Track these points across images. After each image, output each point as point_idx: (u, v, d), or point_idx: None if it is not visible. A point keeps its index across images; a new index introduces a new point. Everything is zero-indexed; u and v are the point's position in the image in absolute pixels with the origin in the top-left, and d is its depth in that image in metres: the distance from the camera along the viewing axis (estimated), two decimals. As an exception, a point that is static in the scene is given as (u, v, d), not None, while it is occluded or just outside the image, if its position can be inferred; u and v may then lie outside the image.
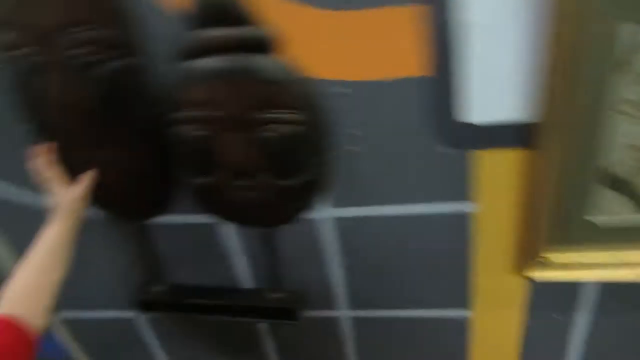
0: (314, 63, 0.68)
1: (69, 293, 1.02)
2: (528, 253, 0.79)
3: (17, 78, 0.69)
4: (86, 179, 0.77)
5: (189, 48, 0.67)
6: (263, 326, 1.05)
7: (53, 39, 0.64)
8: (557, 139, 0.67)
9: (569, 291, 0.84)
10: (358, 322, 0.98)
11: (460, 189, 0.76)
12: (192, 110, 0.71)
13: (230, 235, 0.89)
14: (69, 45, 0.65)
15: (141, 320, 1.07)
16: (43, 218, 0.74)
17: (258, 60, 0.66)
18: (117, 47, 0.66)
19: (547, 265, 0.79)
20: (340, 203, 0.82)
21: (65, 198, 0.75)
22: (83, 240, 0.93)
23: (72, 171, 0.77)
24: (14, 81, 0.70)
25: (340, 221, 0.84)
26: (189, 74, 0.68)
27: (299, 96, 0.68)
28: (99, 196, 0.83)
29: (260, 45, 0.65)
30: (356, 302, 0.95)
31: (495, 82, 0.66)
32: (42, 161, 0.75)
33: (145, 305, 0.98)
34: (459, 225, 0.80)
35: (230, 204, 0.80)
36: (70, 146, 0.74)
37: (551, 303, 0.86)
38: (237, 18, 0.64)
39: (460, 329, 0.93)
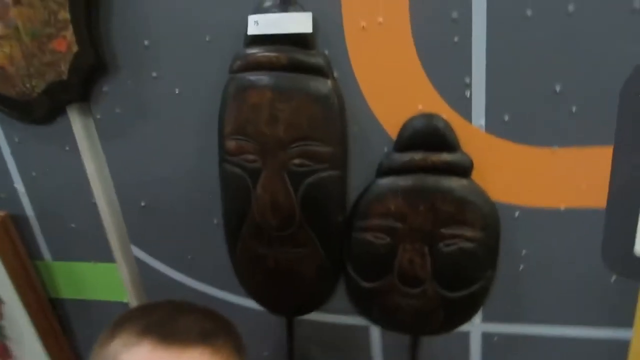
0: (498, 189, 0.76)
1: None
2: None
3: (233, 179, 0.79)
4: None
5: (389, 166, 0.76)
6: None
7: (278, 150, 0.75)
8: None
9: None
10: None
11: (622, 316, 0.79)
12: (379, 220, 0.78)
13: (375, 339, 0.93)
14: (291, 156, 0.75)
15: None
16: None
17: (451, 182, 0.75)
18: (329, 161, 0.75)
19: None
20: (491, 318, 0.86)
21: None
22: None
23: (253, 263, 0.85)
24: (228, 181, 0.80)
25: (488, 336, 0.87)
26: (384, 188, 0.77)
27: (482, 216, 0.75)
28: (262, 288, 0.89)
29: (455, 169, 0.74)
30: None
31: (671, 220, 0.72)
32: None
33: (274, 402, 1.00)
34: (615, 351, 0.82)
35: (389, 309, 0.85)
36: (261, 242, 0.82)
37: None
38: (438, 144, 0.73)
39: None
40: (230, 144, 0.77)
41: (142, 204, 0.90)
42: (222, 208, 0.83)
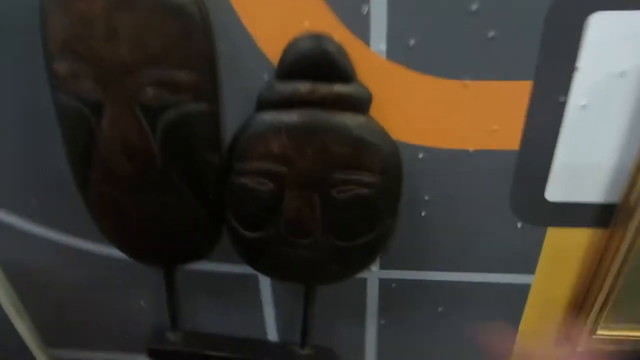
0: (401, 126, 0.64)
1: (81, 332, 0.95)
2: (579, 327, 0.78)
3: (70, 113, 0.61)
4: None
5: (270, 99, 0.61)
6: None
7: (124, 76, 0.57)
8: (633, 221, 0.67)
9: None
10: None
11: (523, 261, 0.74)
12: (260, 163, 0.65)
13: (264, 287, 0.83)
14: (141, 84, 0.58)
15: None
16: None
17: (345, 118, 0.61)
18: (193, 90, 0.59)
19: (597, 340, 0.79)
20: (390, 265, 0.78)
21: None
22: (103, 279, 0.86)
23: (111, 211, 0.70)
24: (65, 116, 0.62)
25: (385, 282, 0.80)
26: (265, 125, 0.62)
27: (381, 159, 0.64)
28: (127, 238, 0.76)
29: (350, 104, 0.61)
30: (386, 362, 0.92)
31: (583, 163, 0.64)
32: None
33: (156, 353, 0.90)
34: (514, 296, 0.78)
35: (277, 259, 0.74)
36: (117, 188, 0.67)
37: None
38: (329, 72, 0.59)
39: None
40: (60, 66, 0.58)
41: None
42: (64, 149, 0.66)
